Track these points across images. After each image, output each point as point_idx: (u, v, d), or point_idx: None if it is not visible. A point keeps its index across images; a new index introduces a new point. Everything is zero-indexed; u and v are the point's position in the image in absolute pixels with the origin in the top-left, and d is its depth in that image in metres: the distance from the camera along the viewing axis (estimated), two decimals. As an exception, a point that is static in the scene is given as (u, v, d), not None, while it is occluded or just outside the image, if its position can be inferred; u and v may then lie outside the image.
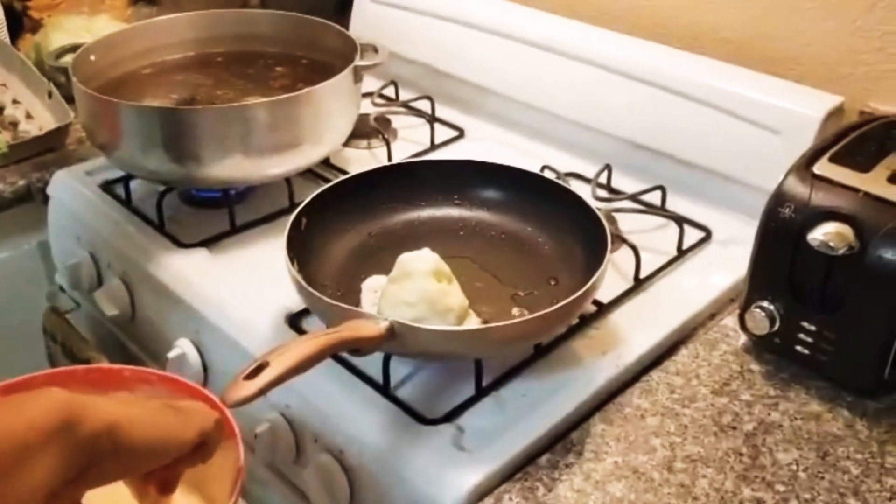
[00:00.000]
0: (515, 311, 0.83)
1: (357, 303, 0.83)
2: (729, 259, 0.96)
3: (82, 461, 0.45)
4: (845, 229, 0.74)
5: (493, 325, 0.74)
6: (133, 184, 1.05)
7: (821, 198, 0.77)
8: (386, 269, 0.80)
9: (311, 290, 0.75)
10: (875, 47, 0.98)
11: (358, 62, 1.03)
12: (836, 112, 0.96)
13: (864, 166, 0.79)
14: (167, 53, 1.15)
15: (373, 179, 0.93)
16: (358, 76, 1.03)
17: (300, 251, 0.82)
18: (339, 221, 0.91)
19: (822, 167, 0.79)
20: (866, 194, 0.76)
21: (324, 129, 1.01)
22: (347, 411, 0.77)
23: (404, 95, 1.29)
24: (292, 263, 0.78)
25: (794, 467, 0.72)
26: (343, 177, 0.94)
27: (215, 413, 0.56)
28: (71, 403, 0.45)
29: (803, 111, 0.96)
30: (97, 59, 1.06)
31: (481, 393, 0.78)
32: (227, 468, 0.61)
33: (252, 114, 0.94)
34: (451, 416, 0.75)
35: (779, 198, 0.79)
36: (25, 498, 0.42)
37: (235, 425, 0.63)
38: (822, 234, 0.75)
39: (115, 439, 0.46)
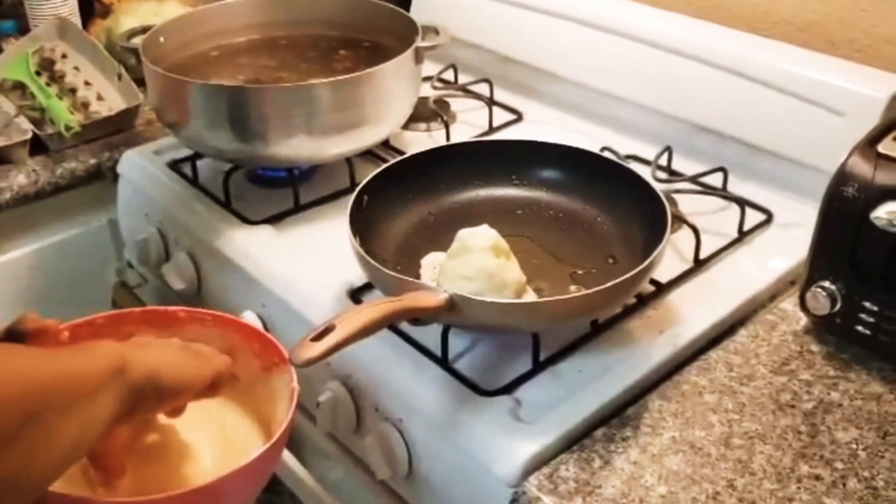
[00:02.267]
0: (573, 288, 0.83)
1: (416, 278, 0.84)
2: (790, 242, 0.95)
3: (130, 401, 0.54)
4: (910, 208, 0.74)
5: (549, 298, 0.75)
6: (200, 163, 1.08)
7: (885, 176, 0.76)
8: (444, 246, 0.81)
9: (373, 262, 0.76)
10: (944, 27, 0.96)
11: (419, 43, 1.04)
12: (903, 93, 0.94)
13: (932, 146, 0.78)
14: (233, 36, 1.18)
15: (432, 159, 0.95)
16: (419, 57, 1.05)
17: (362, 227, 0.84)
18: (399, 200, 0.92)
19: (887, 146, 0.78)
20: (933, 173, 0.75)
21: (385, 109, 1.02)
22: (407, 382, 0.78)
23: (463, 79, 1.30)
24: (355, 238, 0.80)
25: (854, 446, 0.72)
26: (403, 156, 0.95)
27: (226, 357, 0.64)
28: (121, 354, 0.54)
29: (867, 92, 0.95)
30: (166, 40, 1.09)
31: (538, 367, 0.79)
32: (282, 390, 0.67)
33: (316, 93, 0.96)
34: (508, 389, 0.76)
35: (842, 177, 0.78)
36: (92, 429, 0.51)
37: (285, 351, 0.68)
38: (886, 212, 0.74)
39: (154, 383, 0.56)
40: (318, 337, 0.61)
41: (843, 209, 0.78)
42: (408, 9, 1.36)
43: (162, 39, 1.08)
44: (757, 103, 1.03)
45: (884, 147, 0.78)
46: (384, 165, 0.91)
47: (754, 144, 1.04)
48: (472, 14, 1.31)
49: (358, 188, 0.87)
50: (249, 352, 0.72)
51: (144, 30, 1.09)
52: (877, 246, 0.76)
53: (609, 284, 0.74)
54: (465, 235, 0.78)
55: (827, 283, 0.80)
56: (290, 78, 1.11)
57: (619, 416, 0.75)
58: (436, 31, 1.08)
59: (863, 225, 0.76)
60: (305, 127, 0.97)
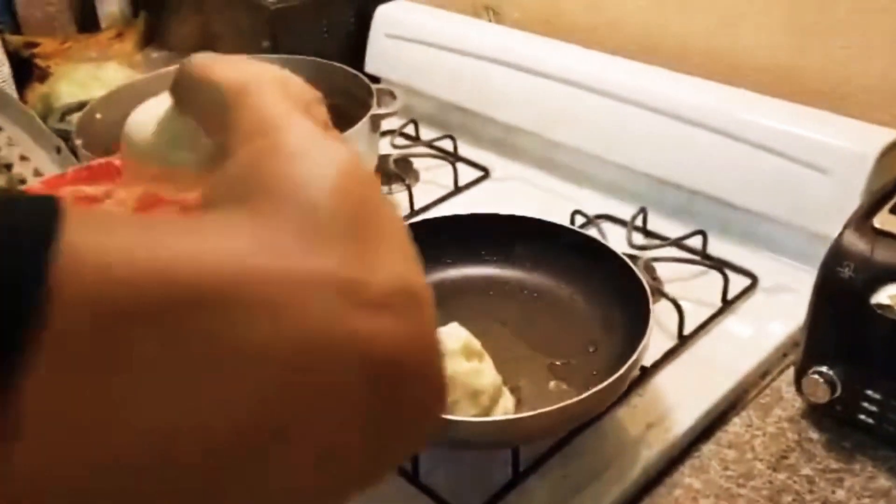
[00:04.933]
0: (552, 384, 0.77)
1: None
2: (778, 308, 0.90)
3: None
4: (913, 291, 0.68)
5: (530, 413, 0.68)
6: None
7: (884, 255, 0.70)
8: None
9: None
10: (929, 76, 0.91)
11: (375, 111, 0.98)
12: (892, 148, 0.89)
13: (930, 219, 0.72)
14: (177, 104, 1.10)
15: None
16: (375, 125, 0.98)
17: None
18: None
19: (884, 220, 0.73)
20: (934, 252, 0.69)
21: (342, 183, 0.95)
22: (374, 502, 0.71)
23: (425, 134, 1.24)
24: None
25: (866, 557, 0.66)
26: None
27: None
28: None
29: (855, 148, 0.89)
30: (103, 116, 1.01)
31: (518, 477, 0.72)
32: None
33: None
34: (487, 508, 0.70)
35: (837, 255, 0.72)
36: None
37: None
38: (888, 296, 0.69)
39: None
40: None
41: (840, 291, 0.72)
42: (361, 59, 1.30)
43: (99, 116, 1.01)
44: (735, 160, 0.97)
45: (880, 222, 0.73)
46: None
47: (734, 204, 0.98)
48: (430, 66, 1.25)
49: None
50: None
51: (80, 106, 1.01)
52: (879, 331, 0.70)
53: (591, 392, 0.67)
54: (434, 338, 0.72)
55: (824, 369, 0.74)
56: (240, 148, 1.04)
57: (609, 531, 0.69)
58: (392, 95, 1.02)
59: (862, 308, 0.70)
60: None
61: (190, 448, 0.28)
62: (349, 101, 1.04)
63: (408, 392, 0.33)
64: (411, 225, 0.92)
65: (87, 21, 1.48)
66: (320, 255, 0.32)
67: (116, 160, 0.70)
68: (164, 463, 0.28)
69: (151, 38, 1.36)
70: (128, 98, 1.04)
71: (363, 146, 0.98)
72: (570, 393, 0.75)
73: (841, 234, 0.73)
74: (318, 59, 1.10)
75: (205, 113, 0.46)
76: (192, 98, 0.47)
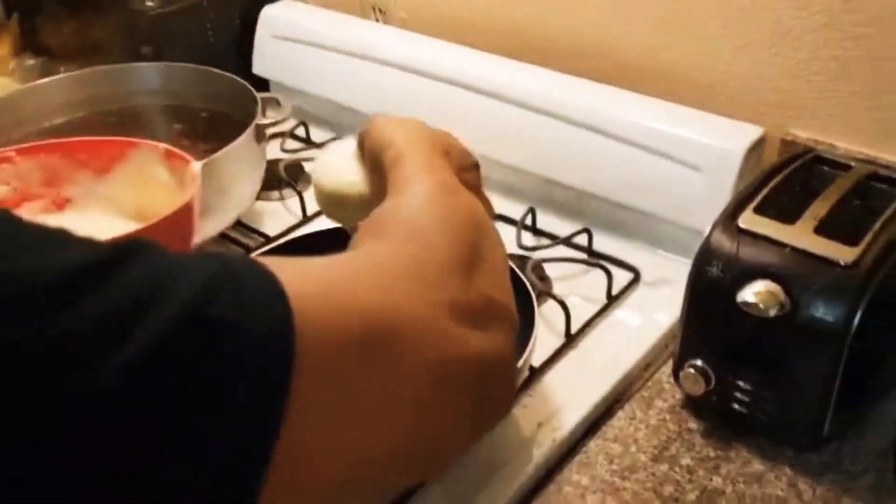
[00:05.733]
0: (443, 391, 0.79)
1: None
2: (659, 301, 0.93)
3: None
4: (775, 288, 0.72)
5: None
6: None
7: (748, 253, 0.74)
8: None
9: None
10: (791, 74, 0.95)
11: (259, 120, 0.97)
12: (758, 144, 0.93)
13: (790, 216, 0.76)
14: (55, 117, 1.07)
15: (293, 248, 0.89)
16: (260, 134, 0.98)
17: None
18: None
19: (748, 220, 0.77)
20: (793, 249, 0.73)
21: (228, 195, 0.95)
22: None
23: (316, 135, 1.24)
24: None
25: (740, 541, 0.70)
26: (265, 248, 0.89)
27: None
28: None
29: (723, 145, 0.93)
30: (-26, 132, 0.98)
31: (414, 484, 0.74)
32: (136, 172, 0.74)
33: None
34: (382, 520, 0.71)
35: (705, 254, 0.76)
36: None
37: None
38: (752, 293, 0.72)
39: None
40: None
41: (710, 289, 0.75)
42: (250, 61, 1.28)
43: (-31, 132, 0.97)
44: (613, 158, 1.00)
45: (744, 221, 0.76)
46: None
47: (614, 201, 1.01)
48: (316, 66, 1.25)
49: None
50: (75, 165, 0.71)
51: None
52: (745, 326, 0.74)
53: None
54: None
55: (699, 362, 0.78)
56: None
57: (501, 532, 0.71)
58: (277, 102, 1.01)
59: (730, 305, 0.74)
60: (141, 227, 0.88)
61: (395, 445, 0.41)
62: (235, 108, 1.03)
63: (494, 389, 0.48)
64: (300, 238, 0.92)
65: (-44, 25, 1.41)
66: (440, 290, 0.45)
67: (10, 151, 0.73)
68: (380, 459, 0.41)
69: (26, 44, 1.31)
70: (2, 111, 1.01)
71: (248, 158, 0.97)
72: (460, 399, 0.76)
73: (709, 234, 0.77)
74: (200, 67, 1.08)
75: (375, 167, 0.61)
76: (368, 152, 0.63)
